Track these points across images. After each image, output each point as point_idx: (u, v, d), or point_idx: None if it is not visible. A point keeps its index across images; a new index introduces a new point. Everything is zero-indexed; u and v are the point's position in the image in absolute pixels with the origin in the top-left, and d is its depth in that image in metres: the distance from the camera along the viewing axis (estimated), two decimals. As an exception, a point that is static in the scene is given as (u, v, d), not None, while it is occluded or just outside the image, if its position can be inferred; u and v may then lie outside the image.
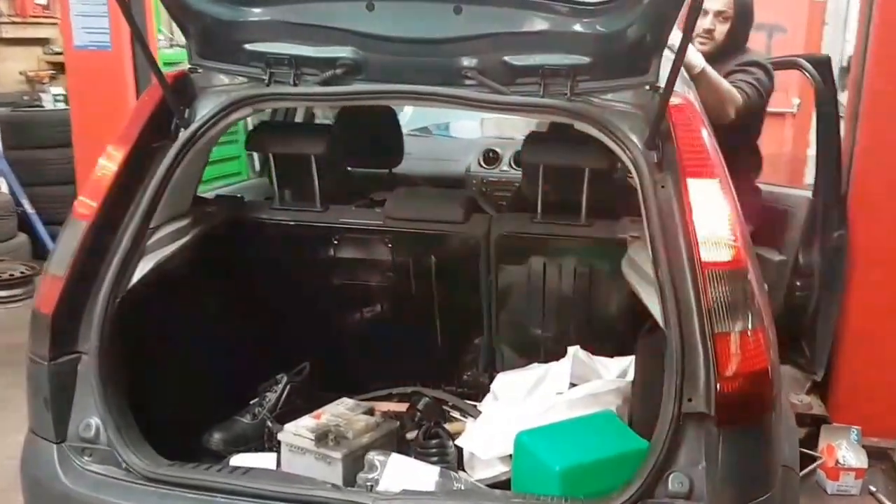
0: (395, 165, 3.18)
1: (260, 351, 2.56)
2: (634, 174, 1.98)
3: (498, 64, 2.11)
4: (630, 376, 2.28)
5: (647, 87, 2.07)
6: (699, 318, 1.80)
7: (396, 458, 2.06)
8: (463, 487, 1.99)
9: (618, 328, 2.50)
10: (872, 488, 3.57)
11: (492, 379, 2.63)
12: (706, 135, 2.02)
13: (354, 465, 2.09)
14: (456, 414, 2.56)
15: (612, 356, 2.41)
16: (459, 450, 2.25)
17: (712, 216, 1.90)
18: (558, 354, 2.47)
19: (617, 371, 2.32)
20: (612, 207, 2.44)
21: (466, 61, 2.12)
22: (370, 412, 2.30)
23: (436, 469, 2.04)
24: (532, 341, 2.59)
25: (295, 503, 1.79)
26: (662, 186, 1.92)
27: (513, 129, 5.57)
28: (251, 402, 2.46)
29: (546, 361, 2.51)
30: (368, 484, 1.96)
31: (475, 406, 2.53)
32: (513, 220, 2.43)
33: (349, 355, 2.63)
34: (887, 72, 3.38)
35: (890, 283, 3.60)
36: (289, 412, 2.47)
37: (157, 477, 1.84)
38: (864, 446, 3.72)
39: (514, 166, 4.34)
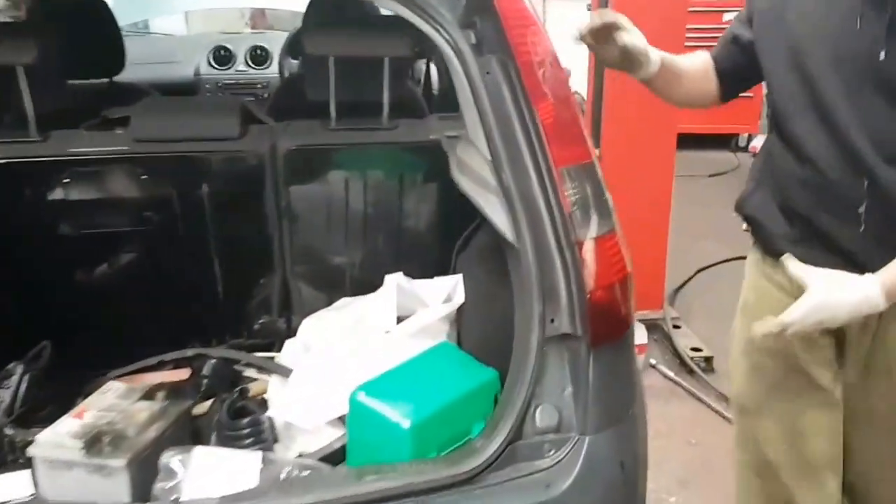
0: (117, 73, 2.53)
1: None
2: (454, 59, 1.62)
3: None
4: (457, 298, 1.97)
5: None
6: (554, 226, 1.53)
7: (201, 453, 1.60)
8: (297, 472, 1.59)
9: (431, 244, 2.17)
10: (653, 361, 3.66)
11: (290, 323, 2.21)
12: (532, 9, 1.70)
13: (144, 470, 1.59)
14: (251, 372, 2.12)
15: (429, 277, 2.09)
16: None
17: (559, 103, 1.61)
18: (367, 284, 2.11)
19: (442, 294, 1.99)
20: (414, 105, 2.07)
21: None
22: (149, 394, 1.79)
23: (256, 455, 1.61)
24: (335, 272, 2.19)
25: None
26: (488, 72, 1.59)
27: (226, 24, 4.97)
28: (-24, 407, 1.84)
29: (354, 294, 2.13)
30: (173, 497, 1.49)
31: (275, 360, 2.10)
32: (302, 130, 1.98)
33: (101, 323, 2.06)
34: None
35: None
36: (30, 410, 1.89)
37: None
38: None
39: (251, 64, 3.82)
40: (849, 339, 1.68)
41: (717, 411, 3.21)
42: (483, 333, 1.89)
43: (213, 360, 2.07)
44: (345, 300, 2.07)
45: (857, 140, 1.52)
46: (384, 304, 1.90)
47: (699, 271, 4.39)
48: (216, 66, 3.74)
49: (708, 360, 3.59)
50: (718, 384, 3.39)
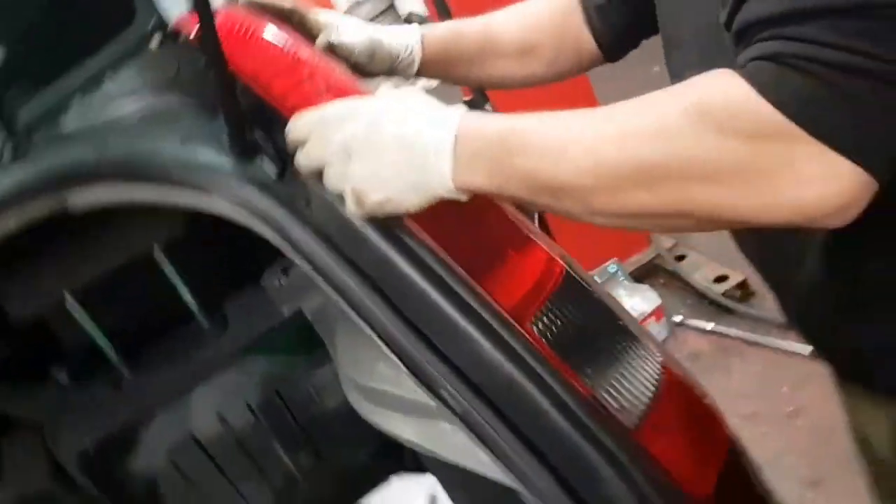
0: None
1: None
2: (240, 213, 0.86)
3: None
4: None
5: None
6: (579, 431, 0.81)
7: None
8: None
9: None
10: (678, 318, 2.96)
11: None
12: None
13: None
14: None
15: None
16: None
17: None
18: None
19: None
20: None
21: None
22: None
23: None
24: None
25: None
26: (307, 202, 0.85)
27: None
28: None
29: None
30: None
31: None
32: None
33: None
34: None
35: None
36: None
37: None
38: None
39: None
40: None
41: (791, 352, 2.45)
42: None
43: None
44: None
45: None
46: None
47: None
48: None
49: (741, 285, 2.83)
50: (774, 311, 2.70)
